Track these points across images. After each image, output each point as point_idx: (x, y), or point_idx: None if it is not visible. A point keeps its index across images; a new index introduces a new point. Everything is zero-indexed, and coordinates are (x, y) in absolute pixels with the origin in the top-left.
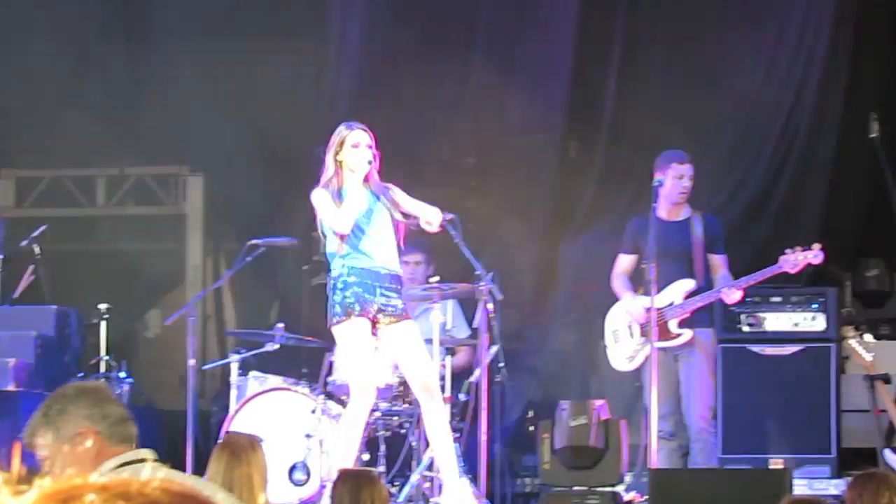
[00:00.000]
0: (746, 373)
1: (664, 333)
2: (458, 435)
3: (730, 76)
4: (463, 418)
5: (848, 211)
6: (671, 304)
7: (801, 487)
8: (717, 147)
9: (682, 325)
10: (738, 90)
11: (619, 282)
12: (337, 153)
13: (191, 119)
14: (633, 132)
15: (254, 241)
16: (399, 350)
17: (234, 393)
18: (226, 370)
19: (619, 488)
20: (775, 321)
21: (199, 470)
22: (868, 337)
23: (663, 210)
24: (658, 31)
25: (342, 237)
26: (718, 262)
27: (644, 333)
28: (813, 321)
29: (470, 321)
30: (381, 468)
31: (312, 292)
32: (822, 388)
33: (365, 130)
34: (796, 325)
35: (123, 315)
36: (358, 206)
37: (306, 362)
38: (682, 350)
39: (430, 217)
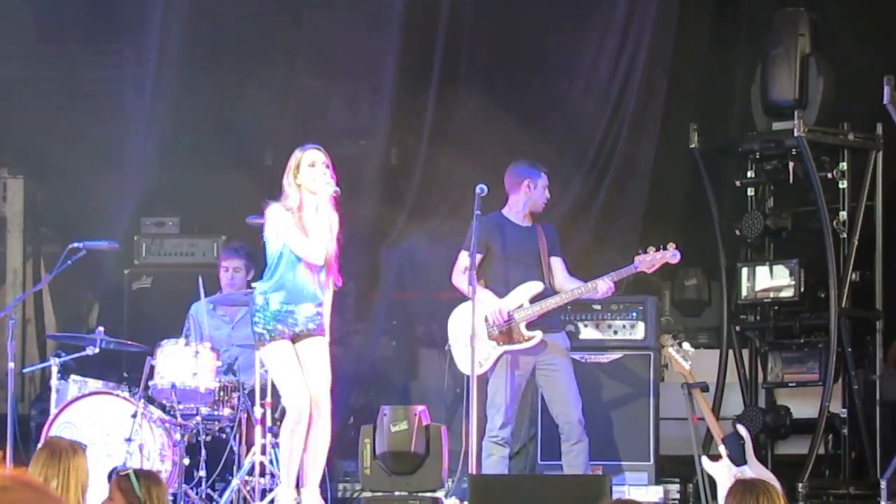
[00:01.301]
0: None
1: (514, 336)
2: (278, 440)
3: (550, 84)
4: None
5: (667, 220)
6: (520, 306)
7: (619, 494)
8: (537, 155)
9: (529, 326)
10: (559, 98)
11: (463, 278)
12: (295, 176)
13: (11, 121)
14: (454, 140)
15: (74, 245)
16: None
17: (54, 397)
18: (46, 374)
19: (440, 493)
20: (595, 329)
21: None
22: (686, 346)
23: (518, 216)
24: (480, 39)
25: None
26: (558, 264)
27: (492, 336)
28: (632, 329)
29: None
30: (202, 472)
31: (133, 296)
32: (640, 396)
33: (319, 150)
34: (615, 333)
35: None
36: (324, 235)
37: (127, 366)
38: (542, 357)
39: None
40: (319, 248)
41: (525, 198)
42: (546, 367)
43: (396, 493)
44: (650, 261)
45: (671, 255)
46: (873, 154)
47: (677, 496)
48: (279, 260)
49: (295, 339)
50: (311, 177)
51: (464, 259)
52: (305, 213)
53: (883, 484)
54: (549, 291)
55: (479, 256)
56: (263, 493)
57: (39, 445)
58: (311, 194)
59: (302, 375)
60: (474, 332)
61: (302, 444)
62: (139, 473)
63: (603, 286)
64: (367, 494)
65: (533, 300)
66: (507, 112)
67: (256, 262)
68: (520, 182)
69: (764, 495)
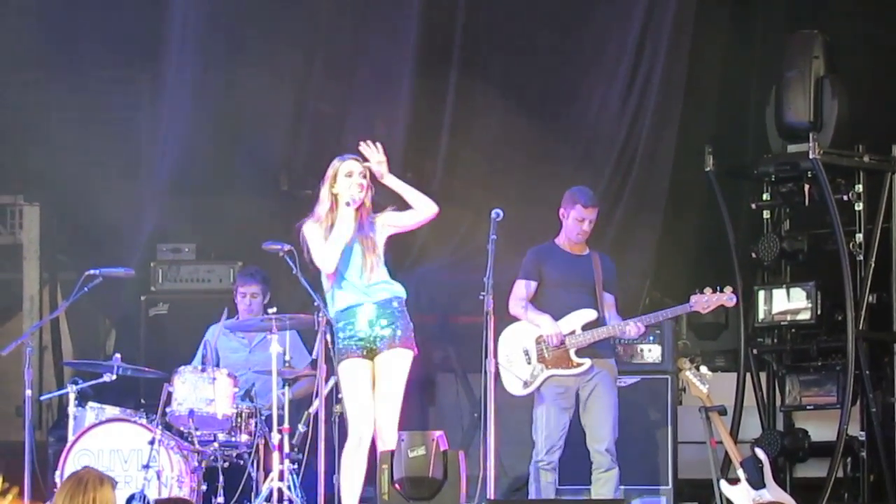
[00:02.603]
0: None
1: (564, 361)
2: (296, 466)
3: (565, 108)
4: (301, 450)
5: (683, 244)
6: (573, 332)
7: None
8: (552, 178)
9: (579, 354)
10: (573, 122)
11: (521, 306)
12: (332, 186)
13: (27, 149)
14: (468, 164)
15: (91, 272)
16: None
17: (71, 424)
18: (63, 401)
19: None
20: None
21: (37, 501)
22: (704, 369)
23: (566, 244)
24: (493, 65)
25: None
26: (610, 301)
27: (541, 359)
28: (649, 353)
29: (309, 352)
30: (220, 499)
31: (150, 323)
32: (658, 420)
33: (358, 160)
34: (633, 357)
35: None
36: (341, 241)
37: (144, 393)
38: (590, 381)
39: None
40: (330, 256)
41: (564, 229)
42: (589, 392)
43: None
44: (706, 302)
45: (727, 298)
46: (889, 176)
47: None
48: (332, 277)
49: (369, 354)
50: (345, 186)
51: (520, 288)
52: (336, 223)
53: None
54: (604, 320)
55: (534, 284)
56: None
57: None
58: (345, 205)
59: (367, 399)
60: (495, 356)
61: (360, 470)
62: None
63: (632, 329)
64: None
65: (585, 327)
66: (523, 136)
67: (273, 287)
68: (561, 210)
69: None
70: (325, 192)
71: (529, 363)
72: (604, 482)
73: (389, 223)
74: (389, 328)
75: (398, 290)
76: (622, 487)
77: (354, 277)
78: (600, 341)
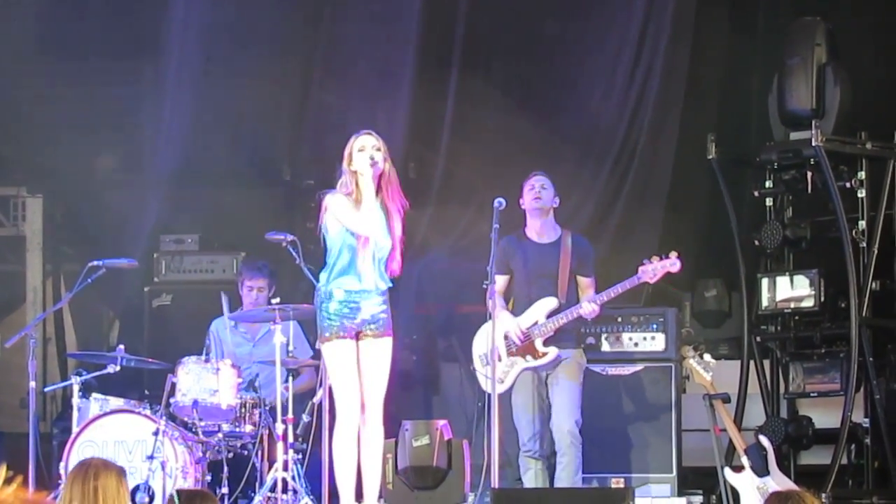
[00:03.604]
0: (587, 393)
1: (531, 352)
2: (300, 456)
3: (566, 96)
4: (305, 439)
5: (686, 231)
6: (536, 323)
7: None
8: (554, 169)
9: (546, 343)
10: (575, 110)
11: (496, 302)
12: (349, 163)
13: (29, 139)
14: (470, 154)
15: (94, 263)
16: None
17: (75, 415)
18: (67, 392)
19: None
20: (616, 341)
21: (41, 492)
22: (707, 357)
23: (532, 231)
24: (495, 56)
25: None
26: (585, 283)
27: (511, 354)
28: (653, 341)
29: (312, 342)
30: (224, 489)
31: (154, 314)
32: (662, 408)
33: (371, 134)
34: (636, 345)
35: None
36: (372, 203)
37: (148, 384)
38: (551, 369)
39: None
40: (368, 220)
41: (527, 212)
42: (551, 379)
43: None
44: (652, 270)
45: (671, 263)
46: (891, 163)
47: None
48: (341, 246)
49: (358, 335)
50: (360, 160)
51: (497, 281)
52: (364, 189)
53: None
54: (567, 307)
55: (505, 277)
56: None
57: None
58: (362, 177)
59: (356, 379)
60: (493, 350)
61: (353, 454)
62: (183, 493)
63: (587, 308)
64: None
65: (549, 316)
66: (525, 125)
67: (278, 280)
68: (519, 202)
69: None
70: (344, 170)
71: (500, 360)
72: (562, 467)
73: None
74: (382, 315)
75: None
76: (624, 476)
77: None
78: (563, 331)
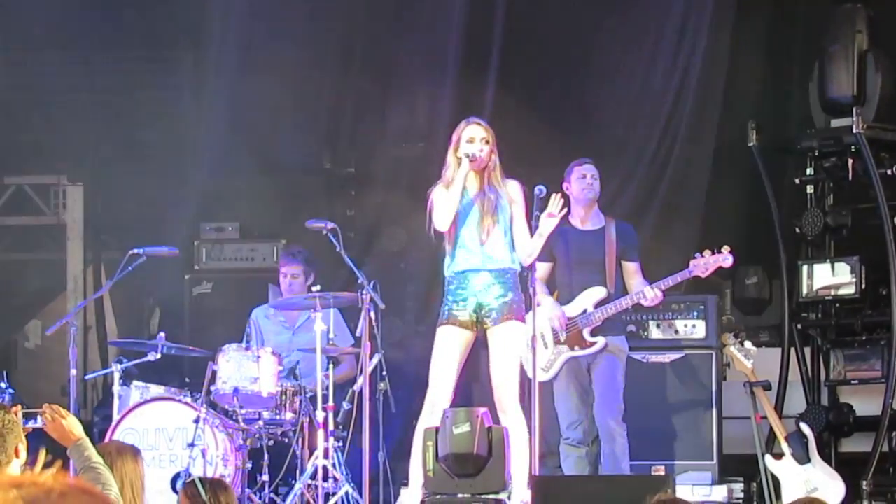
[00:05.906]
0: (628, 381)
1: (579, 341)
2: (340, 444)
3: (607, 84)
4: (346, 427)
5: (727, 219)
6: (584, 312)
7: (683, 494)
8: (595, 156)
9: (594, 333)
10: (616, 98)
11: (537, 289)
12: (455, 150)
13: (70, 129)
14: (511, 141)
15: (134, 251)
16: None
17: (116, 403)
18: (108, 380)
19: (503, 496)
20: (656, 329)
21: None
22: (748, 344)
23: (576, 218)
24: (536, 41)
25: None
26: (632, 269)
27: (557, 342)
28: (693, 329)
29: (352, 330)
30: (265, 477)
31: (194, 301)
32: (702, 395)
33: (480, 124)
34: (677, 332)
35: (3, 326)
36: (454, 198)
37: (189, 372)
38: (593, 357)
39: None
40: (443, 212)
41: (572, 199)
42: (594, 367)
43: (459, 496)
44: (704, 265)
45: (723, 258)
46: None
47: (741, 495)
48: (450, 238)
49: (474, 325)
50: (465, 150)
51: (539, 268)
52: (455, 179)
53: None
54: (615, 296)
55: (548, 265)
56: (327, 496)
57: None
58: (460, 170)
59: (450, 367)
60: (535, 337)
61: None
62: (206, 480)
63: (650, 294)
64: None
65: (597, 306)
66: (565, 113)
67: (316, 266)
68: (563, 185)
69: None
70: (450, 156)
71: (546, 347)
72: (609, 452)
73: (513, 197)
74: (501, 298)
75: (513, 260)
76: (665, 463)
77: (470, 240)
78: (609, 319)
